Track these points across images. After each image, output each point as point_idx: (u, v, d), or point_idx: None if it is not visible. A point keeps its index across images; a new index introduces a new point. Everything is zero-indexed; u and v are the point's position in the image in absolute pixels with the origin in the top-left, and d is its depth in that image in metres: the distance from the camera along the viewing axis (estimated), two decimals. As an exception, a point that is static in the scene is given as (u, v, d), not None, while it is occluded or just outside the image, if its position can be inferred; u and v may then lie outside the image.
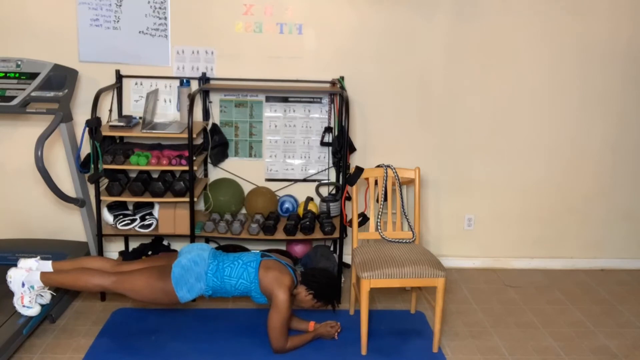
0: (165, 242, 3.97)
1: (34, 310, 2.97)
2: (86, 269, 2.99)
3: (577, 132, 4.02)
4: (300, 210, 3.77)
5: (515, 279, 4.01)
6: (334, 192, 3.89)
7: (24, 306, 2.95)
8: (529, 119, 3.97)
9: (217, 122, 3.81)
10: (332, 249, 3.90)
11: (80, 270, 2.99)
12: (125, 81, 3.74)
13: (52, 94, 3.35)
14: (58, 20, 3.63)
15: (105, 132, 3.39)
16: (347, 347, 3.07)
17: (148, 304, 3.45)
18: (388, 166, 3.33)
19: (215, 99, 3.79)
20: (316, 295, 3.03)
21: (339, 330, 3.14)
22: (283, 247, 3.95)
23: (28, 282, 2.95)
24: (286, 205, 3.80)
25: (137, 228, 3.54)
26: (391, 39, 3.79)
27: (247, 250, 3.79)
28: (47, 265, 3.07)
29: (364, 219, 3.46)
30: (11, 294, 3.00)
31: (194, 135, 3.34)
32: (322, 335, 3.10)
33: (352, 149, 3.80)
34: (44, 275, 2.95)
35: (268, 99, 3.82)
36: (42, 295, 3.05)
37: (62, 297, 3.36)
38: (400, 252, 3.08)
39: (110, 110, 3.66)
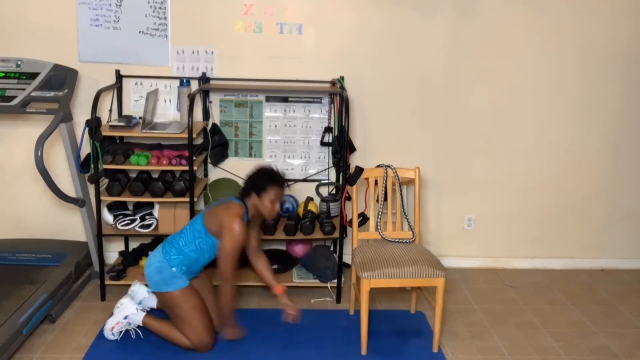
0: (165, 242, 3.98)
1: (114, 338, 3.07)
2: (177, 334, 3.00)
3: (577, 132, 4.02)
4: (300, 210, 3.77)
5: (515, 279, 4.00)
6: (334, 192, 3.89)
7: (111, 332, 3.06)
8: (529, 119, 3.97)
9: (217, 122, 3.82)
10: (332, 249, 3.90)
11: (173, 333, 3.00)
12: (125, 81, 3.74)
13: (52, 94, 3.35)
14: (58, 20, 3.63)
15: (105, 132, 3.39)
16: (347, 347, 3.07)
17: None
18: (388, 166, 3.33)
19: (215, 99, 3.79)
20: (258, 191, 2.91)
21: (291, 316, 3.07)
22: (283, 247, 3.95)
23: (131, 319, 3.06)
24: (286, 205, 3.80)
25: (137, 228, 3.54)
26: (391, 39, 3.79)
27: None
28: (150, 301, 3.22)
29: (364, 219, 3.46)
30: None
31: (194, 135, 3.34)
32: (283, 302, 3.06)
33: (352, 149, 3.80)
34: (147, 320, 3.05)
35: (268, 99, 3.82)
36: (132, 331, 3.14)
37: (62, 297, 3.36)
38: (400, 252, 3.08)
39: (110, 110, 3.66)
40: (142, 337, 3.09)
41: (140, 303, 3.16)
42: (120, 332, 3.07)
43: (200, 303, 2.95)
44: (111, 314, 3.11)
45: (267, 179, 2.92)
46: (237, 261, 2.90)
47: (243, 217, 2.89)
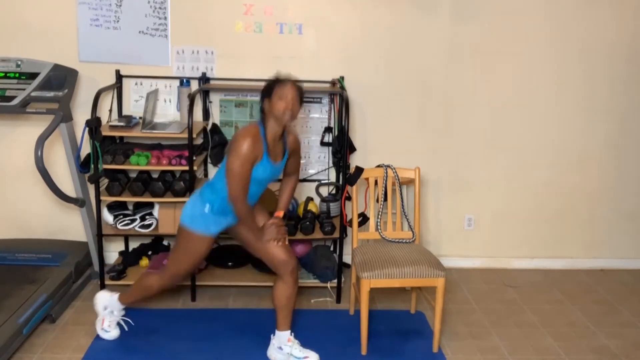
0: (165, 242, 3.98)
1: (111, 334, 3.08)
2: (144, 278, 3.04)
3: (578, 132, 4.02)
4: (300, 210, 3.77)
5: (515, 279, 4.00)
6: (334, 192, 3.89)
7: (102, 329, 3.08)
8: (530, 119, 3.97)
9: (217, 122, 3.81)
10: (332, 249, 3.90)
11: (140, 282, 3.05)
12: (125, 81, 3.74)
13: (52, 94, 3.35)
14: (58, 20, 3.63)
15: (105, 132, 3.39)
16: (347, 347, 3.07)
17: (149, 304, 3.45)
18: (388, 166, 3.33)
19: (215, 99, 3.79)
20: (269, 94, 2.77)
21: (279, 236, 2.92)
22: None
23: (109, 307, 3.10)
24: (286, 205, 3.80)
25: (137, 228, 3.54)
26: (392, 38, 3.79)
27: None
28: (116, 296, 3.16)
29: (364, 219, 3.46)
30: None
31: (194, 135, 3.34)
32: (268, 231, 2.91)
33: (352, 149, 3.80)
34: (121, 297, 3.07)
35: (268, 99, 3.81)
36: (121, 321, 3.14)
37: (62, 297, 3.36)
38: (400, 252, 3.08)
39: (110, 110, 3.66)
40: (141, 337, 3.10)
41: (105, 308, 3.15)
42: (110, 325, 3.08)
43: (200, 257, 2.91)
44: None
45: (273, 81, 2.81)
46: (246, 183, 2.73)
47: (255, 135, 2.73)
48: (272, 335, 3.00)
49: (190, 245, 2.85)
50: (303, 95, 2.84)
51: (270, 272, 3.60)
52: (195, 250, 2.86)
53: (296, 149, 2.97)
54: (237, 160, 2.67)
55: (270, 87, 2.78)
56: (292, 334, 2.97)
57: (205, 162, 3.86)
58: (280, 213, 3.01)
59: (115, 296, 3.09)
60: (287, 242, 2.97)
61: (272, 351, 2.98)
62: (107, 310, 3.09)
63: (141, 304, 3.46)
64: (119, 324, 3.14)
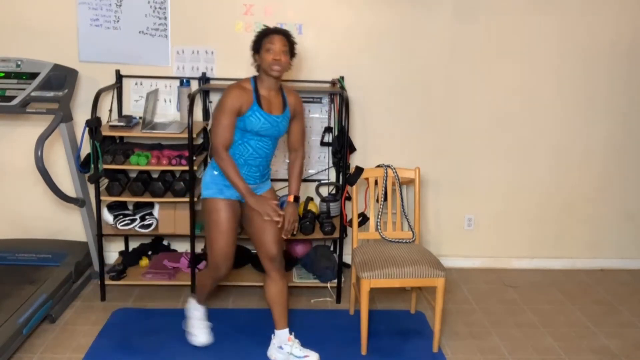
0: (165, 242, 3.98)
1: (200, 339, 3.05)
2: (197, 279, 3.07)
3: (578, 132, 4.02)
4: (300, 210, 3.77)
5: (515, 279, 4.00)
6: (334, 192, 3.89)
7: (190, 333, 3.07)
8: (529, 119, 3.97)
9: (217, 122, 3.81)
10: (332, 249, 3.90)
11: (197, 283, 3.08)
12: (125, 81, 3.74)
13: (52, 94, 3.35)
14: (58, 20, 3.63)
15: (105, 132, 3.39)
16: (347, 347, 3.07)
17: (147, 304, 3.45)
18: (388, 166, 3.33)
19: (215, 99, 3.79)
20: (257, 48, 2.76)
21: (275, 216, 2.76)
22: (283, 247, 3.94)
23: (189, 311, 3.14)
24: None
25: (137, 228, 3.54)
26: (391, 38, 3.79)
27: (247, 250, 3.80)
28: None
29: (364, 219, 3.46)
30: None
31: (194, 135, 3.34)
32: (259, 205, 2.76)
33: (352, 149, 3.80)
34: (195, 297, 3.12)
35: (268, 99, 3.81)
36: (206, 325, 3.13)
37: (62, 297, 3.36)
38: (400, 252, 3.08)
39: (110, 110, 3.66)
40: (141, 337, 3.10)
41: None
42: (200, 328, 3.08)
43: (225, 224, 2.81)
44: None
45: (261, 33, 2.79)
46: (227, 134, 2.70)
47: (243, 87, 2.74)
48: (272, 335, 3.00)
49: (214, 214, 2.81)
50: (294, 46, 2.80)
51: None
52: (219, 217, 2.80)
53: (298, 110, 2.93)
54: (217, 110, 2.71)
55: (259, 41, 2.77)
56: (292, 333, 2.97)
57: (205, 162, 3.86)
58: (290, 197, 3.00)
59: (191, 302, 3.13)
60: (284, 236, 2.93)
61: (272, 351, 2.98)
62: (189, 313, 3.12)
63: (141, 304, 3.46)
64: (209, 328, 3.12)
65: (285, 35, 2.76)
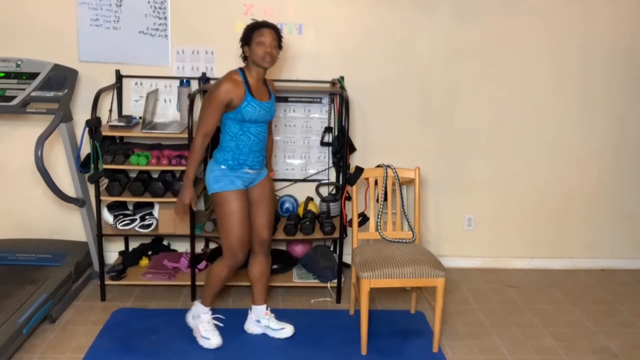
0: (165, 242, 3.98)
1: (211, 342, 3.01)
2: (209, 270, 3.04)
3: (578, 132, 4.02)
4: (300, 210, 3.77)
5: (515, 279, 4.01)
6: (334, 192, 3.89)
7: (202, 337, 3.04)
8: (529, 119, 3.97)
9: (217, 122, 3.81)
10: (332, 249, 3.90)
11: (208, 275, 3.03)
12: (125, 81, 3.74)
13: (52, 94, 3.35)
14: (58, 20, 3.63)
15: (105, 132, 3.39)
16: (347, 347, 3.07)
17: (149, 304, 3.45)
18: (388, 166, 3.33)
19: (215, 99, 3.79)
20: (247, 41, 2.84)
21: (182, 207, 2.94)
22: (283, 247, 3.95)
23: (195, 313, 3.12)
24: (286, 205, 3.80)
25: (137, 228, 3.54)
26: (391, 38, 3.79)
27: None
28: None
29: (364, 219, 3.46)
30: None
31: (194, 135, 3.34)
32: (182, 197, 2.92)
33: (352, 149, 3.80)
34: (202, 301, 3.08)
35: (268, 99, 3.81)
36: (216, 325, 3.12)
37: (62, 297, 3.36)
38: (400, 252, 3.08)
39: (110, 110, 3.66)
40: (141, 337, 3.10)
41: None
42: (207, 331, 3.05)
43: (240, 212, 2.87)
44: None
45: (250, 27, 2.86)
46: (211, 123, 2.81)
47: (234, 80, 2.80)
48: (249, 310, 3.14)
49: (226, 207, 2.87)
50: (281, 38, 2.90)
51: (273, 271, 3.61)
52: (233, 207, 2.86)
53: (275, 94, 3.11)
54: (208, 101, 2.80)
55: (249, 33, 2.85)
56: (269, 308, 3.12)
57: (205, 162, 3.85)
58: (272, 172, 3.21)
59: (196, 305, 3.11)
60: (263, 221, 3.04)
61: (250, 324, 3.13)
62: (196, 319, 3.09)
63: (141, 304, 3.46)
64: (217, 327, 3.11)
65: (274, 29, 2.87)
